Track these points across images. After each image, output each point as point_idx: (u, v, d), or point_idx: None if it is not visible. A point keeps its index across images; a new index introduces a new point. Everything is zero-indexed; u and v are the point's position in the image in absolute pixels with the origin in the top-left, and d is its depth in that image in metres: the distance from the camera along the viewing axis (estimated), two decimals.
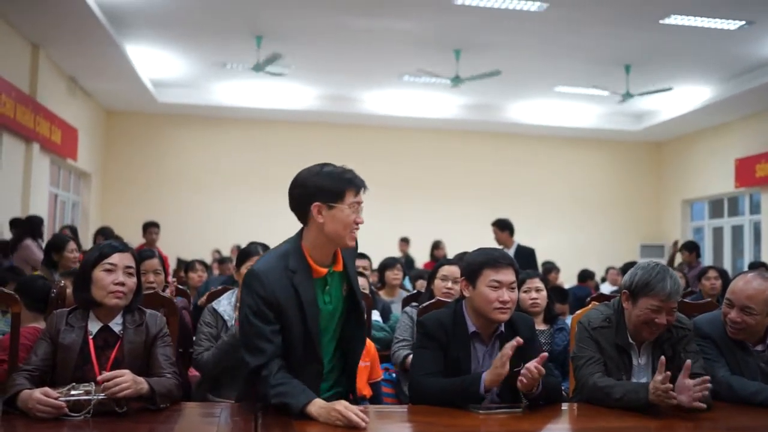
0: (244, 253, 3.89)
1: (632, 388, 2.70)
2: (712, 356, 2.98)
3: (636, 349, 2.95)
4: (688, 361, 2.64)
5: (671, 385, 2.55)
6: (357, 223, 2.58)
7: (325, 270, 2.63)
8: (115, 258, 2.70)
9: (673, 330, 2.96)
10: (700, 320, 3.12)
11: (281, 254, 2.60)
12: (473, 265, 2.86)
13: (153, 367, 2.67)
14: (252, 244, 3.97)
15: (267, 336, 2.50)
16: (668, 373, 2.56)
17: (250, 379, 2.54)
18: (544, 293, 4.37)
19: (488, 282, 2.79)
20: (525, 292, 4.26)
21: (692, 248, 9.34)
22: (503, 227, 8.47)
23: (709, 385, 2.57)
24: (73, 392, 2.38)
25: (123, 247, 2.76)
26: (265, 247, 3.89)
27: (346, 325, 2.74)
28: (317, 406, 2.38)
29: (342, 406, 2.34)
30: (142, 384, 2.47)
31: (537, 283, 4.36)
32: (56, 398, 2.35)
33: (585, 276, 10.08)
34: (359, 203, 2.57)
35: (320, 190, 2.53)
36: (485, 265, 2.82)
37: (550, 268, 9.73)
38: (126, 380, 2.41)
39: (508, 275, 2.82)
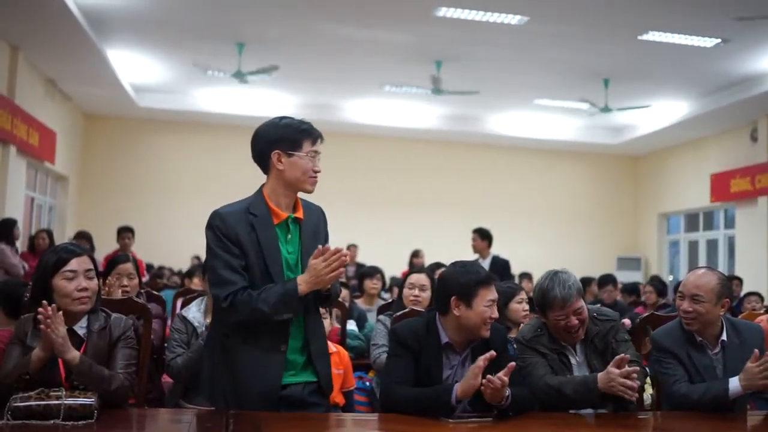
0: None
1: (580, 381, 2.87)
2: (670, 369, 3.06)
3: (570, 349, 3.09)
4: (625, 356, 2.80)
5: (633, 384, 2.72)
6: (315, 171, 2.70)
7: (285, 214, 2.72)
8: (74, 264, 2.65)
9: (599, 324, 3.11)
10: (658, 333, 3.21)
11: (243, 201, 2.74)
12: (468, 286, 2.84)
13: (110, 367, 2.64)
14: None
15: (234, 267, 2.61)
16: (634, 369, 2.74)
17: (223, 313, 2.60)
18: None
19: (486, 302, 2.83)
20: (518, 303, 4.33)
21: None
22: (484, 236, 8.51)
23: (636, 375, 2.75)
24: (44, 397, 2.37)
25: (80, 251, 2.73)
26: None
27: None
28: (303, 278, 2.58)
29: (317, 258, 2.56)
30: (72, 351, 2.51)
31: (524, 295, 4.47)
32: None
33: None
34: (316, 152, 2.70)
35: (280, 139, 2.68)
36: (481, 285, 2.84)
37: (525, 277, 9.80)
38: (61, 331, 2.47)
39: (495, 292, 2.90)
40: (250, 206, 2.68)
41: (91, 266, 2.71)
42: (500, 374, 2.60)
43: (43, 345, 2.48)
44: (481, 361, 2.64)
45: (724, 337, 3.08)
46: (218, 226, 2.62)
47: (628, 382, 2.71)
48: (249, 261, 2.63)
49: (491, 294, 2.86)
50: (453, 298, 2.85)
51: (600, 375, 2.79)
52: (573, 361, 3.08)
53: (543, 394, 2.90)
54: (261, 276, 2.63)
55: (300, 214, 2.77)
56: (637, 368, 2.76)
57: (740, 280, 9.62)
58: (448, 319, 2.90)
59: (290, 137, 2.68)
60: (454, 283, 2.88)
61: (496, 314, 2.86)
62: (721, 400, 2.88)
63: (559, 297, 2.96)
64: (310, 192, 2.74)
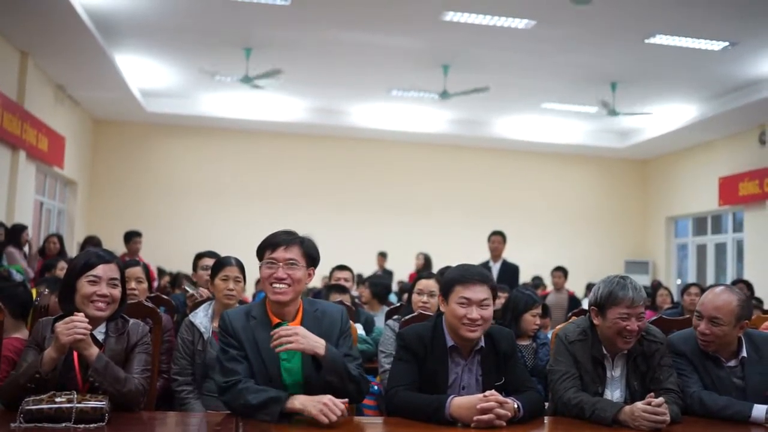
0: (217, 264, 3.88)
1: (601, 406, 2.73)
2: (685, 372, 3.04)
3: (610, 360, 3.01)
4: (660, 399, 2.65)
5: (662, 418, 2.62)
6: (274, 278, 2.76)
7: (276, 320, 2.81)
8: (100, 270, 2.70)
9: (645, 343, 3.02)
10: (675, 337, 3.19)
11: (250, 305, 2.93)
12: (447, 282, 2.91)
13: (126, 371, 2.67)
14: (226, 257, 3.96)
15: (236, 358, 2.73)
16: (660, 400, 2.63)
17: (222, 395, 2.69)
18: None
19: (458, 299, 2.82)
20: (533, 315, 4.51)
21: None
22: (505, 239, 8.53)
23: (661, 408, 2.61)
24: (56, 400, 2.38)
25: (109, 258, 2.77)
26: (237, 260, 3.91)
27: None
28: (300, 399, 2.54)
29: (329, 398, 2.50)
30: (93, 348, 2.55)
31: (540, 309, 4.63)
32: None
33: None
34: (274, 260, 2.78)
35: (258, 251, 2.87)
36: (456, 282, 2.86)
37: (538, 284, 9.82)
38: (86, 327, 2.51)
39: (478, 292, 2.83)
40: (251, 311, 2.83)
41: (117, 275, 2.76)
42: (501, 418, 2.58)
43: (56, 345, 2.50)
44: (482, 403, 2.58)
45: (744, 353, 3.05)
46: (224, 328, 2.79)
47: (658, 417, 2.60)
48: (249, 356, 2.74)
49: (467, 292, 2.82)
50: (440, 295, 2.96)
51: (625, 408, 2.67)
52: (609, 374, 3.00)
53: (562, 405, 2.87)
54: (261, 369, 2.72)
55: (296, 322, 2.80)
56: (661, 400, 2.64)
57: (748, 284, 9.54)
58: (445, 318, 2.94)
59: (259, 249, 2.85)
60: (441, 282, 2.99)
61: (474, 315, 2.78)
62: (739, 421, 2.82)
63: (631, 296, 2.89)
64: (273, 300, 2.79)
